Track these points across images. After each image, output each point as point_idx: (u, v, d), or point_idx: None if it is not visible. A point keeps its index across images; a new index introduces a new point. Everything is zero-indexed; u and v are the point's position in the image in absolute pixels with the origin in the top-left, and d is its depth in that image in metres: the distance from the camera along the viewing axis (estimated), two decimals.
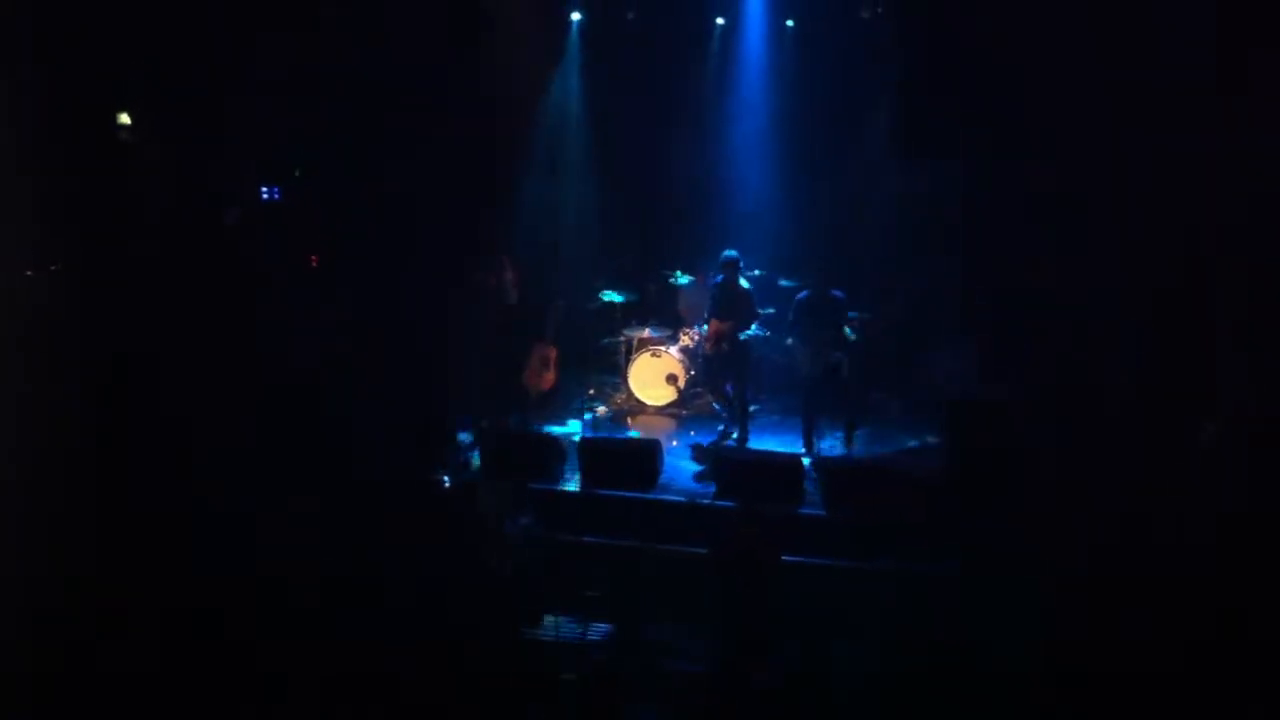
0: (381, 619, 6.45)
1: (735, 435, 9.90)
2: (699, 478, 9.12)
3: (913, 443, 9.88)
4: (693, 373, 10.49)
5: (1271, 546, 6.33)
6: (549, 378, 10.68)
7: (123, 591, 6.34)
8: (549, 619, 7.16)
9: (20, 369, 8.17)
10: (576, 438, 9.46)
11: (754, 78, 11.77)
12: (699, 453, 9.72)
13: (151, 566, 6.62)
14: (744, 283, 9.75)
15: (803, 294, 9.52)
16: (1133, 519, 6.88)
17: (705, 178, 11.75)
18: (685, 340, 10.67)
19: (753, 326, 9.77)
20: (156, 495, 7.56)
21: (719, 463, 8.82)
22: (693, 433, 10.20)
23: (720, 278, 9.75)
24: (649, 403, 10.68)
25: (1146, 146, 8.16)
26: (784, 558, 7.32)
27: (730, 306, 9.70)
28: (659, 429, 10.37)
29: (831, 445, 9.53)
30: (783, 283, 11.10)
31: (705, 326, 9.97)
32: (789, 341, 9.66)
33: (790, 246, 11.21)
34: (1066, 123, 8.82)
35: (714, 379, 10.20)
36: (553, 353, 10.68)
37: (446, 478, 8.68)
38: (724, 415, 10.15)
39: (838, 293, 9.33)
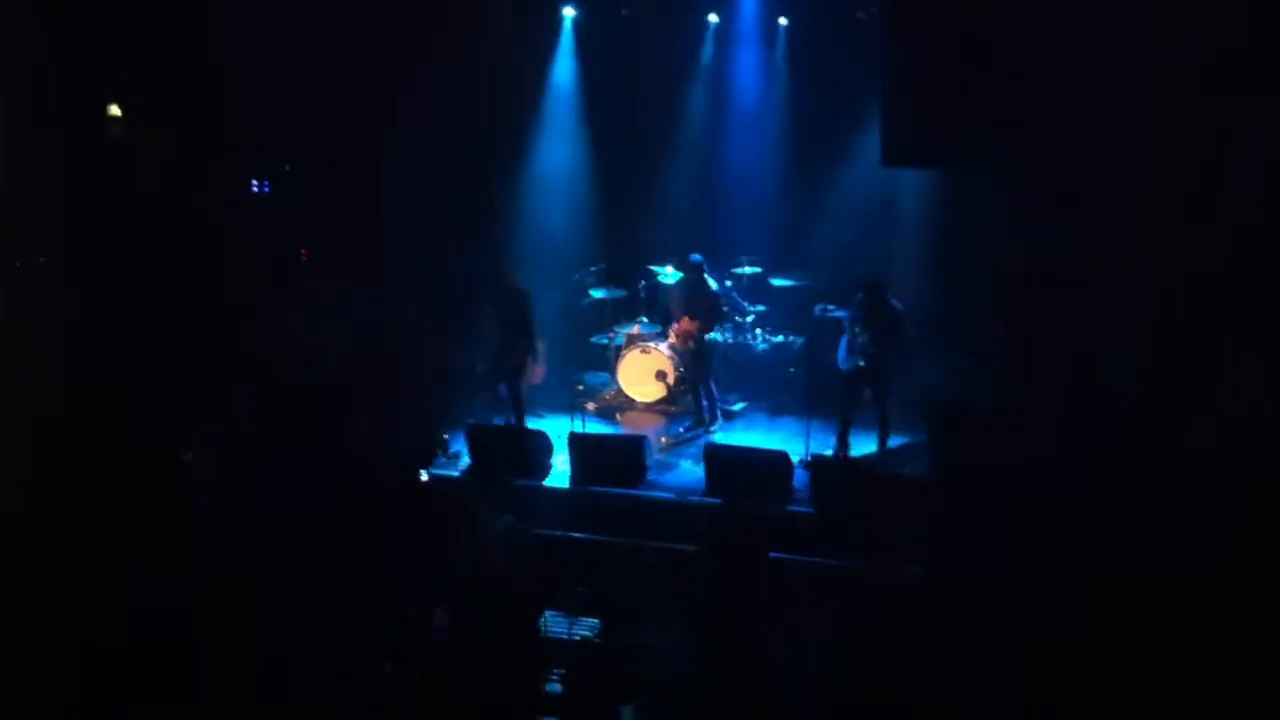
0: (370, 618, 6.39)
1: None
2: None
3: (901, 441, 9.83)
4: (681, 369, 10.48)
5: (1272, 546, 6.31)
6: (537, 371, 10.62)
7: (113, 590, 6.24)
8: (537, 617, 7.09)
9: (9, 362, 8.08)
10: (565, 433, 9.41)
11: (747, 76, 11.77)
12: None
13: (144, 562, 6.52)
14: (711, 283, 10.12)
15: (861, 295, 9.27)
16: (1133, 519, 6.85)
17: (698, 174, 11.73)
18: (674, 338, 10.64)
19: (715, 329, 10.11)
20: (146, 489, 7.47)
21: (709, 460, 8.78)
22: (682, 429, 10.24)
23: (685, 277, 10.11)
24: (638, 399, 10.66)
25: (1150, 145, 8.12)
26: (772, 554, 7.28)
27: (696, 306, 10.04)
28: (648, 425, 10.37)
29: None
30: (775, 281, 11.10)
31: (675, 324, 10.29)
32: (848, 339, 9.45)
33: (784, 244, 11.33)
34: (1066, 124, 8.75)
35: (690, 375, 10.38)
36: (540, 346, 10.59)
37: (428, 474, 8.61)
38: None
39: (896, 304, 9.16)
